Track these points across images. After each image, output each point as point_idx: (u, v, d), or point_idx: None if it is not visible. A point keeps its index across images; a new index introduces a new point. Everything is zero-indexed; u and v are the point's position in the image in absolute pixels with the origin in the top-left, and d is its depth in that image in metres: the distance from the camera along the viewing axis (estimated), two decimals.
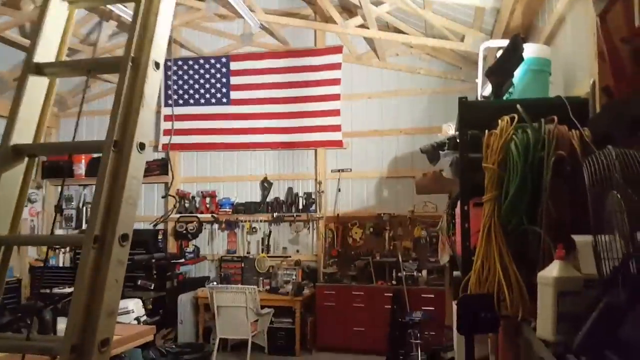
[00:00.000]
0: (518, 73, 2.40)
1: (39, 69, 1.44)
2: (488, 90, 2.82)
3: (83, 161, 7.57)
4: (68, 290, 5.06)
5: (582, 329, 1.03)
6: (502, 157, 1.72)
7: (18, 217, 1.42)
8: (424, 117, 6.82)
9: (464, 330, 1.71)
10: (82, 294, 1.18)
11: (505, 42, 2.61)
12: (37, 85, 1.45)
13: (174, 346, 5.35)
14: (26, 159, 1.43)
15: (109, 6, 5.69)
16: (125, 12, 5.84)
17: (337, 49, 7.08)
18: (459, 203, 2.19)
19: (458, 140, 2.14)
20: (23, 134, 1.42)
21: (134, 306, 4.75)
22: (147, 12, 1.42)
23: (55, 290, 5.95)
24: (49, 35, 1.48)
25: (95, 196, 1.26)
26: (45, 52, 1.47)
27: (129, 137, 1.31)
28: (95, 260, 1.21)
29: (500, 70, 2.32)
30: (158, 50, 1.42)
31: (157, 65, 1.41)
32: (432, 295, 5.96)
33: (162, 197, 7.44)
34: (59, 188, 8.10)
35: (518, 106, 1.83)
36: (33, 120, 1.45)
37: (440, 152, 2.74)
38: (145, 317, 4.93)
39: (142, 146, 1.34)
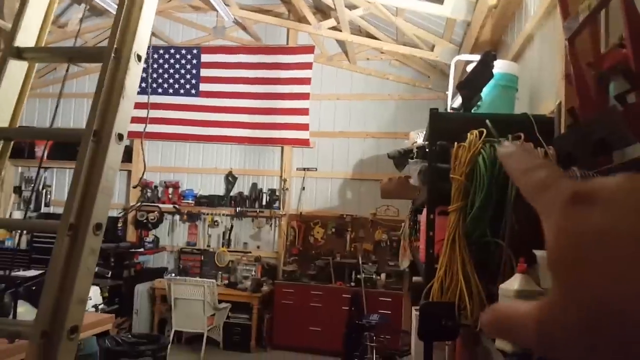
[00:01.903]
0: (486, 87, 2.47)
1: (19, 53, 1.44)
2: (457, 102, 2.90)
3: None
4: (29, 273, 4.90)
5: None
6: (470, 170, 1.78)
7: None
8: (391, 122, 6.91)
9: (424, 337, 1.76)
10: (54, 281, 1.19)
11: (476, 57, 2.69)
12: (16, 69, 1.45)
13: (129, 336, 5.25)
14: (1, 142, 1.44)
15: None
16: None
17: (308, 49, 7.09)
18: (424, 210, 2.24)
19: (427, 150, 2.19)
20: None
21: (92, 294, 4.64)
22: (131, 4, 1.43)
23: (14, 273, 5.72)
24: (30, 19, 1.49)
25: (72, 185, 1.26)
26: (25, 37, 1.47)
27: (107, 128, 1.32)
28: (68, 248, 1.23)
29: (471, 84, 2.39)
30: (140, 43, 1.43)
31: (138, 57, 1.42)
32: (390, 299, 6.05)
33: (133, 187, 7.26)
34: (19, 169, 7.82)
35: (487, 121, 1.89)
36: (10, 104, 1.45)
37: (409, 160, 2.80)
38: (102, 305, 4.85)
39: (120, 137, 1.35)
